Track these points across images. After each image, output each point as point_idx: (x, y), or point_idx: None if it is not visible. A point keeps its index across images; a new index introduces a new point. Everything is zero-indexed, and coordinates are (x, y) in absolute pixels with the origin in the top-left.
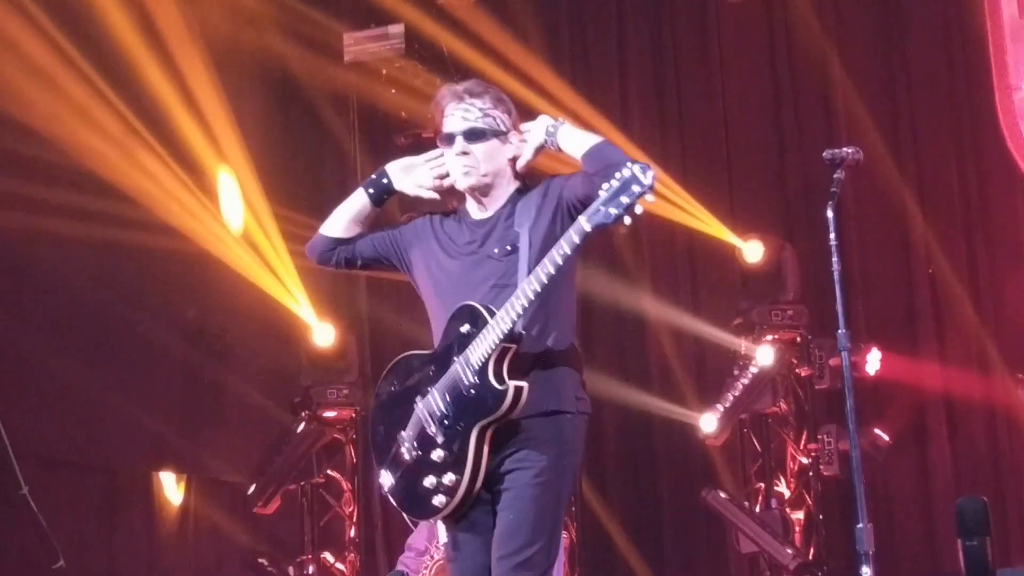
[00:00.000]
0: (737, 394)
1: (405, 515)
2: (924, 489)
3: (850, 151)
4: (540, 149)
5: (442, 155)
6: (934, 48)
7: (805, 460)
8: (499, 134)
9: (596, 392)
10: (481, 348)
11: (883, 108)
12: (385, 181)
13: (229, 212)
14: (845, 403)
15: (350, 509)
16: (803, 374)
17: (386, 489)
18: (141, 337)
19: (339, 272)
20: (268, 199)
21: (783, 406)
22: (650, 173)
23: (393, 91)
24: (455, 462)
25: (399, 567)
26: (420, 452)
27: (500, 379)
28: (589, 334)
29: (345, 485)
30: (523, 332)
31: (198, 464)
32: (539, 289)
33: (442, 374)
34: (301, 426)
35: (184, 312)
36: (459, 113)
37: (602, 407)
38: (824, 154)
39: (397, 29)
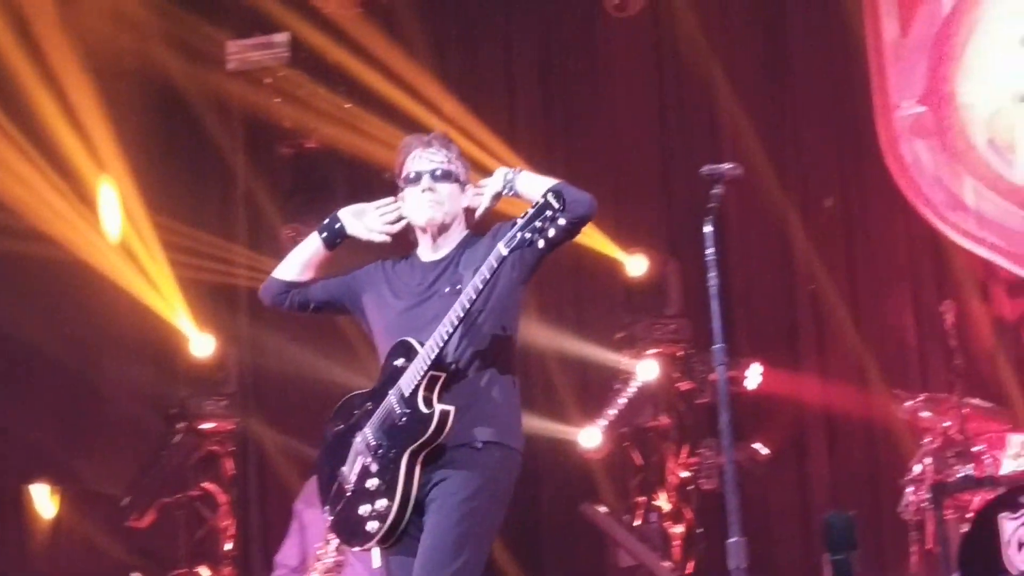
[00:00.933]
0: (619, 408)
1: (345, 546)
2: (803, 503)
3: (729, 167)
4: (498, 196)
5: (393, 201)
6: (817, 66)
7: (685, 474)
8: (459, 182)
9: None
10: (410, 376)
11: (767, 125)
12: (338, 226)
13: (108, 221)
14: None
15: (227, 523)
16: (684, 388)
17: (328, 524)
18: (15, 346)
19: (217, 285)
20: (148, 208)
21: (664, 420)
22: (564, 197)
23: (277, 100)
24: (387, 488)
25: None
26: (357, 484)
27: (428, 404)
28: None
29: (222, 498)
30: (453, 361)
31: (72, 476)
32: (462, 314)
33: (376, 407)
34: (177, 438)
35: (61, 324)
36: (426, 156)
37: None
38: (703, 170)
39: (282, 38)
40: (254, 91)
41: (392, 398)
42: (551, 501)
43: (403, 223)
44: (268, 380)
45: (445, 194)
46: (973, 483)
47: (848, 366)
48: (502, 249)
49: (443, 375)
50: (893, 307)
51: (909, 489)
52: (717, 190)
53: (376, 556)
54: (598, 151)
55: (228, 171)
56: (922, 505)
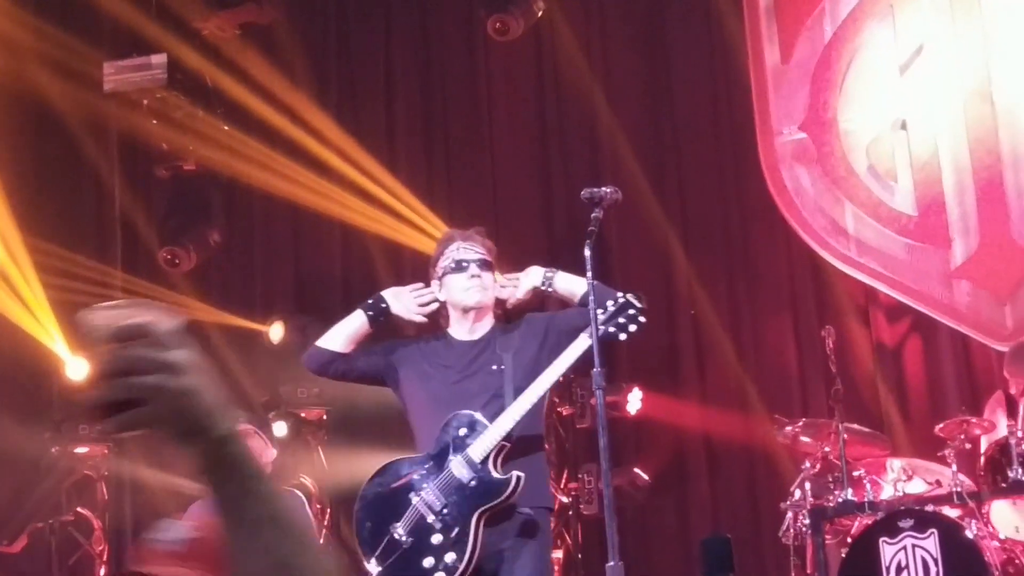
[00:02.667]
0: None
1: None
2: (683, 527)
3: (608, 190)
4: (533, 289)
5: (426, 287)
6: (699, 91)
7: (565, 499)
8: (494, 271)
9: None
10: (482, 446)
11: (649, 149)
12: (383, 305)
13: None
14: (600, 442)
15: (100, 548)
16: (565, 413)
17: (373, 574)
18: None
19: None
20: (22, 231)
21: (545, 445)
22: (642, 298)
23: (154, 122)
24: (455, 544)
25: None
26: (417, 539)
27: (501, 471)
28: None
29: (96, 523)
30: (513, 432)
31: None
32: (542, 394)
33: (439, 471)
34: (51, 462)
35: None
36: (470, 246)
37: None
38: (583, 193)
39: (160, 59)
40: (131, 112)
41: (457, 464)
42: None
43: (435, 306)
44: None
45: (487, 282)
46: (852, 508)
47: (729, 391)
48: (587, 339)
49: (508, 446)
50: (774, 332)
51: (789, 514)
52: (596, 213)
53: None
54: (478, 173)
55: (104, 193)
56: (802, 529)
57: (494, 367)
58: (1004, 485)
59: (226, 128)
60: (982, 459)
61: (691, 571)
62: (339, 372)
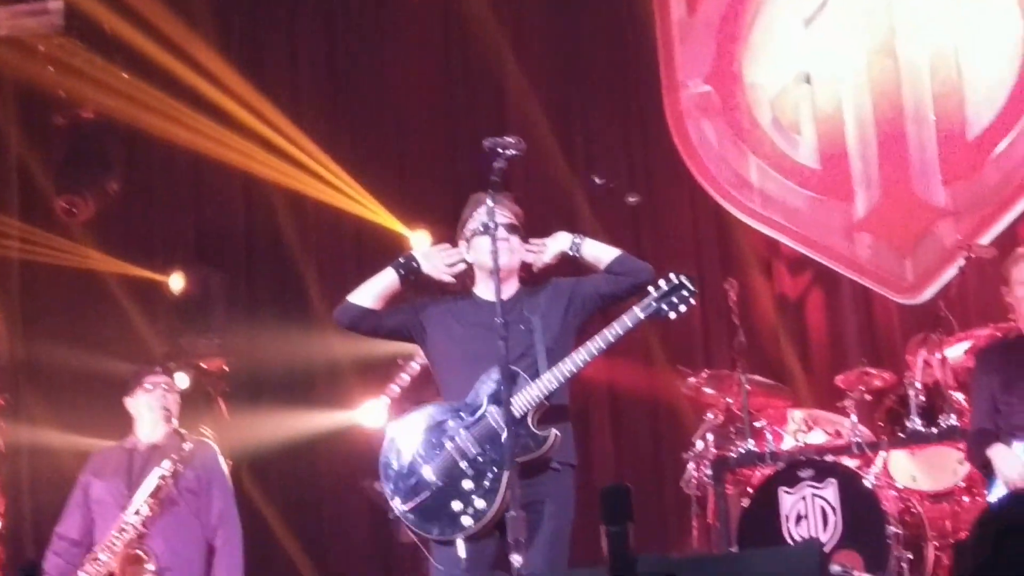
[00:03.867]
0: (402, 384)
1: (419, 533)
2: (586, 479)
3: (512, 140)
4: (559, 254)
5: (455, 250)
6: (606, 44)
7: None
8: (522, 236)
9: (259, 380)
10: (523, 401)
11: (555, 100)
12: (415, 264)
13: None
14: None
15: None
16: None
17: (398, 511)
18: None
19: None
20: None
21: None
22: (693, 280)
23: (51, 69)
24: (486, 492)
25: (50, 557)
26: (446, 483)
27: (541, 427)
28: (256, 331)
29: None
30: (553, 392)
31: None
32: (588, 359)
33: (475, 420)
34: None
35: None
36: (499, 211)
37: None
38: (485, 143)
39: (56, 5)
40: (27, 59)
41: (495, 416)
42: (332, 478)
43: (463, 267)
44: (40, 355)
45: (515, 244)
46: (754, 458)
47: (632, 342)
48: (639, 313)
49: (548, 405)
50: None
51: (691, 464)
52: (499, 163)
53: (461, 547)
54: (383, 125)
55: (0, 140)
56: (703, 480)
57: (522, 327)
58: (902, 435)
59: (125, 76)
60: (881, 409)
61: (594, 523)
62: (370, 328)
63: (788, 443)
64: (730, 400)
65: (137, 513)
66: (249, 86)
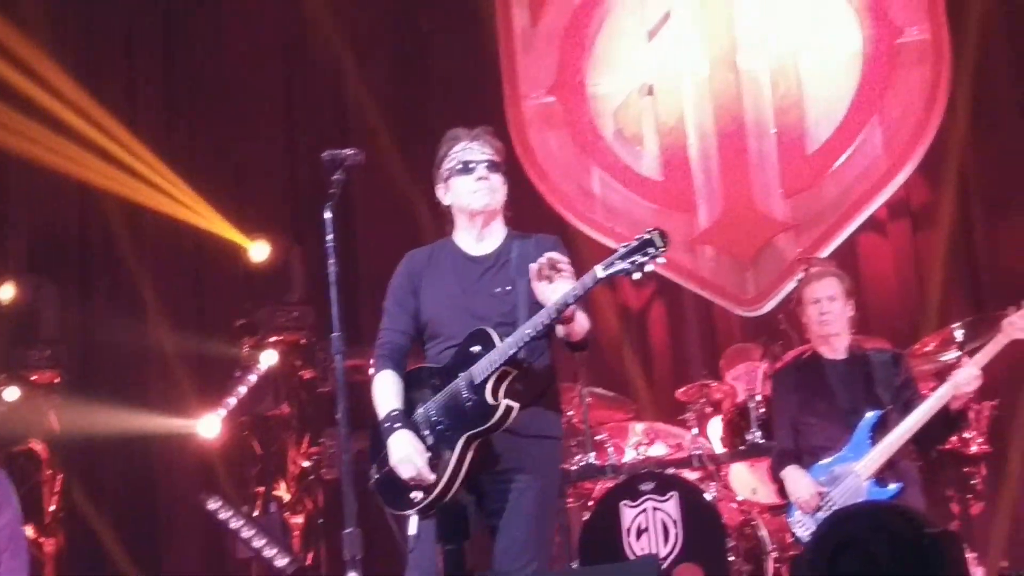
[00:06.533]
0: (238, 397)
1: (384, 507)
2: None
3: (351, 152)
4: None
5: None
6: (449, 54)
7: (306, 464)
8: (504, 173)
9: (93, 391)
10: (484, 367)
11: (397, 110)
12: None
13: None
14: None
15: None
16: (307, 376)
17: (371, 483)
18: None
19: None
20: None
21: (285, 409)
22: (666, 239)
23: None
24: (437, 465)
25: None
26: None
27: (495, 397)
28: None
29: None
30: (525, 359)
31: None
32: (548, 323)
33: (444, 386)
34: None
35: None
36: (476, 147)
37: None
38: (324, 155)
39: None
40: None
41: (461, 382)
42: (168, 492)
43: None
44: None
45: (497, 183)
46: (595, 471)
47: None
48: (599, 272)
49: (514, 372)
50: None
51: None
52: (339, 176)
53: (413, 523)
54: (221, 133)
55: None
56: None
57: (498, 290)
58: (742, 448)
59: None
60: (722, 422)
61: None
62: (414, 342)
63: (629, 456)
64: (571, 412)
65: None
66: (84, 93)
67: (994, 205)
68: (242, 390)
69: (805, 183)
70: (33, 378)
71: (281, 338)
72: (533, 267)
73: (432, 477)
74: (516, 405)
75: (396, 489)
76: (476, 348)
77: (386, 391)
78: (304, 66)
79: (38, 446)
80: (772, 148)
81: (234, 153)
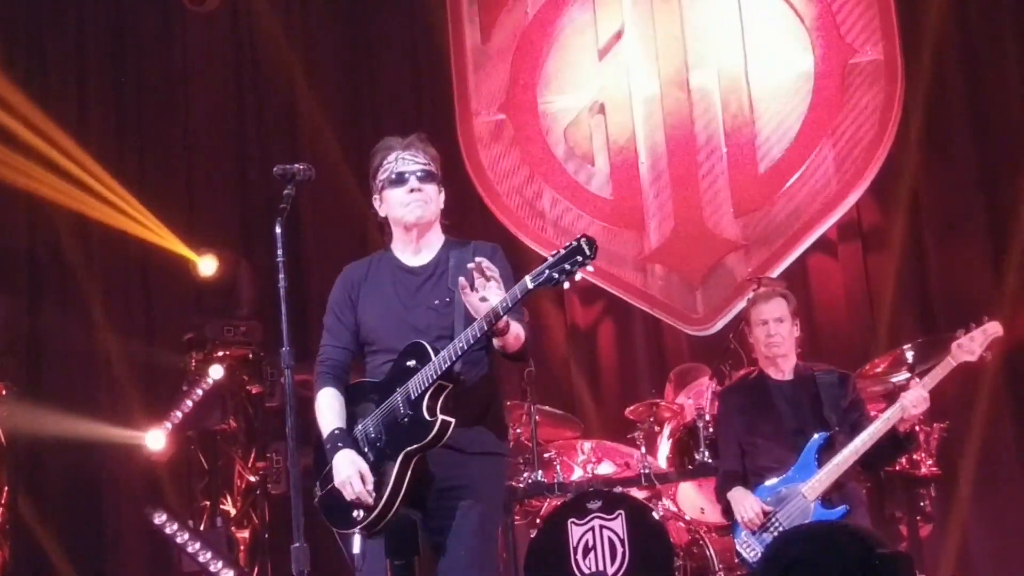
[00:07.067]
0: (185, 411)
1: (329, 525)
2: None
3: (301, 167)
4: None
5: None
6: (401, 71)
7: (253, 478)
8: (439, 182)
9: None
10: (419, 382)
11: (347, 127)
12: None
13: None
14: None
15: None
16: (254, 391)
17: (316, 501)
18: None
19: None
20: None
21: (232, 423)
22: (594, 246)
23: None
24: (378, 483)
25: None
26: None
27: (432, 413)
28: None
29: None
30: (461, 373)
31: None
32: (479, 335)
33: (383, 401)
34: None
35: None
36: (409, 156)
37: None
38: (275, 170)
39: None
40: None
41: (398, 397)
42: (115, 505)
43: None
44: None
45: (432, 194)
46: (542, 489)
47: None
48: (528, 283)
49: (450, 386)
50: None
51: None
52: (288, 190)
53: (357, 541)
54: (172, 147)
55: None
56: None
57: (437, 302)
58: (691, 467)
59: None
60: (669, 442)
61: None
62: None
63: (577, 474)
64: (519, 430)
65: None
66: (32, 105)
67: (945, 227)
68: (189, 404)
69: (756, 203)
70: None
71: (229, 352)
72: (462, 280)
73: (370, 500)
74: (452, 420)
75: (339, 508)
76: (411, 362)
77: (328, 409)
78: (255, 82)
79: None
80: (723, 167)
81: (183, 166)
